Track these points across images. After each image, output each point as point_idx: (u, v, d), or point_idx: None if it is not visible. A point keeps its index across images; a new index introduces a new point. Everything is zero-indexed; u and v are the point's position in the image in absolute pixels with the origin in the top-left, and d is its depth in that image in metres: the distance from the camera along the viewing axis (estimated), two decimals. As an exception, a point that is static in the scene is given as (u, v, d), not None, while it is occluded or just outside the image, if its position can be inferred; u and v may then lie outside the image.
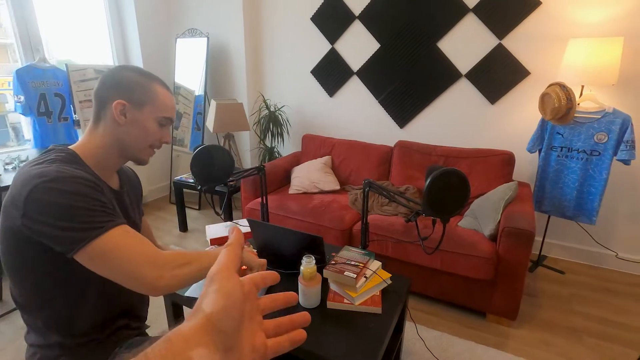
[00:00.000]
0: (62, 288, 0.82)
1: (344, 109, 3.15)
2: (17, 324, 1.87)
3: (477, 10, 2.46)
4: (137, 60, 3.34)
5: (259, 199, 2.05)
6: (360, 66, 2.96)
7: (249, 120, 3.30)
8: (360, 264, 1.30)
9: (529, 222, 1.79)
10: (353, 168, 2.79)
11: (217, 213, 1.58)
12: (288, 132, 3.38)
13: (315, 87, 3.22)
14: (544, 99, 2.13)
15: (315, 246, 1.33)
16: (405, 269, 2.05)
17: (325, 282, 1.29)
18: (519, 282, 1.80)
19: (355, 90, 3.05)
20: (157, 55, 3.44)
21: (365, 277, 1.26)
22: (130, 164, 1.00)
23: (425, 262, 1.96)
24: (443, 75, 2.67)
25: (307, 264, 1.17)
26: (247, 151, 3.56)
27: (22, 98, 2.44)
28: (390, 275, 1.34)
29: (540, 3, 2.28)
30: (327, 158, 2.86)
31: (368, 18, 2.83)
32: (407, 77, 2.80)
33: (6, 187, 1.95)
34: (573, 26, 2.24)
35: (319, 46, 3.09)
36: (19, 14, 2.52)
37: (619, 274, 2.42)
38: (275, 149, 3.40)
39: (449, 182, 1.10)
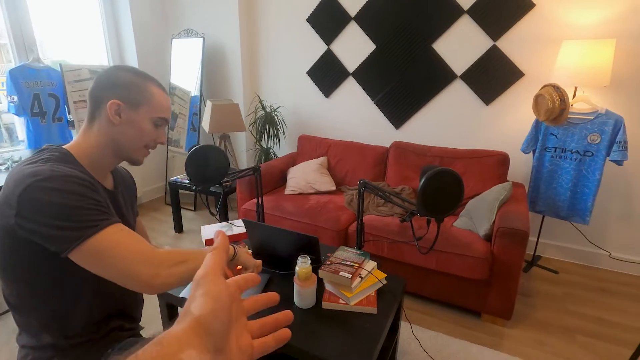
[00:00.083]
0: (55, 288, 0.82)
1: (339, 109, 3.16)
2: (10, 326, 1.86)
3: (471, 12, 2.48)
4: (132, 61, 3.32)
5: (255, 200, 2.04)
6: (356, 67, 2.97)
7: (244, 121, 3.30)
8: (356, 264, 1.30)
9: (523, 222, 1.80)
10: (349, 169, 2.79)
11: (212, 214, 1.57)
12: (284, 133, 3.38)
13: (311, 88, 3.22)
14: (537, 100, 2.15)
15: (310, 246, 1.33)
16: (400, 269, 2.05)
17: (320, 283, 1.29)
18: (514, 282, 1.81)
19: (351, 91, 3.06)
20: (152, 55, 3.43)
21: (360, 277, 1.26)
22: (124, 165, 1.00)
23: (421, 262, 1.97)
24: (438, 76, 2.69)
25: (303, 265, 1.17)
26: (243, 152, 3.55)
27: (16, 98, 2.42)
28: (386, 275, 1.35)
29: (534, 5, 2.30)
30: (323, 159, 2.86)
31: (364, 19, 2.84)
32: (403, 78, 2.81)
33: (-1, 188, 1.93)
34: (566, 28, 2.26)
35: (315, 47, 3.09)
36: (13, 14, 2.50)
37: (612, 273, 2.44)
38: (271, 150, 3.40)
39: (443, 182, 1.11)
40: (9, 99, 2.42)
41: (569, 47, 2.09)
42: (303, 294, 1.20)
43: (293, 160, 3.02)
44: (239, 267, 0.97)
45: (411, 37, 2.70)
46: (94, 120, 0.88)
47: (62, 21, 2.92)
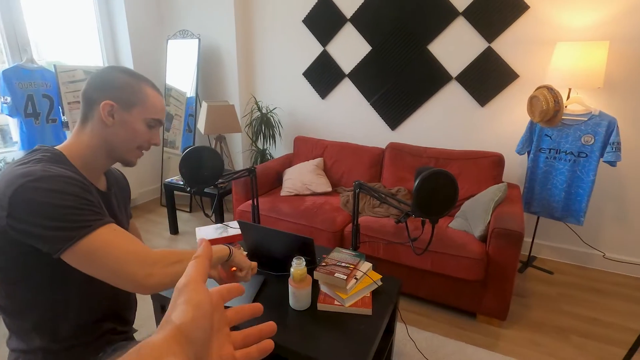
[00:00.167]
0: (46, 290, 0.81)
1: (335, 111, 3.16)
2: (1, 330, 1.83)
3: (467, 13, 2.49)
4: (127, 62, 3.31)
5: (251, 201, 2.04)
6: (351, 68, 2.97)
7: (240, 122, 3.29)
8: (351, 266, 1.30)
9: (518, 223, 1.81)
10: (345, 170, 2.79)
11: (206, 215, 1.57)
12: (280, 134, 3.38)
13: (307, 89, 3.22)
14: (532, 101, 2.16)
15: (305, 248, 1.33)
16: (396, 271, 2.05)
17: (315, 284, 1.29)
18: (509, 282, 1.82)
19: (346, 93, 3.06)
20: (148, 56, 3.41)
21: (355, 278, 1.26)
22: (118, 166, 0.99)
23: (416, 263, 1.97)
24: (434, 77, 2.70)
25: (298, 266, 1.17)
26: (238, 153, 3.55)
27: (9, 99, 2.40)
28: (381, 276, 1.35)
29: (528, 7, 2.32)
30: (319, 160, 2.86)
31: (359, 21, 2.84)
32: (398, 79, 2.82)
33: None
34: (560, 30, 2.28)
35: (311, 48, 3.09)
36: (6, 14, 2.48)
37: (606, 273, 2.46)
38: (267, 151, 3.39)
39: (438, 183, 1.11)
40: (2, 99, 2.40)
41: (563, 49, 2.10)
42: (298, 295, 1.19)
43: (289, 161, 3.02)
44: (234, 268, 0.97)
45: (407, 38, 2.71)
46: (87, 121, 0.88)
47: (57, 21, 2.90)
